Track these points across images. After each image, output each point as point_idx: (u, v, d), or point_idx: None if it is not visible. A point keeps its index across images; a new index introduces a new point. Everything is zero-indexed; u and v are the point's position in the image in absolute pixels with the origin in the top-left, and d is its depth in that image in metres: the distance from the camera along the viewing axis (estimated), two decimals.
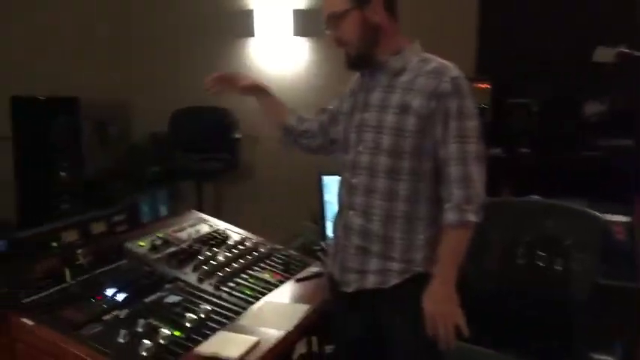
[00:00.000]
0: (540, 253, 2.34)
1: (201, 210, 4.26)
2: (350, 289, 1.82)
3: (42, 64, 4.80)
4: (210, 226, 2.55)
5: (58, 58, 4.85)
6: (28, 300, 1.72)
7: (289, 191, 4.50)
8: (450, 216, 1.69)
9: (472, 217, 1.68)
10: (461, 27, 4.21)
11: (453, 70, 1.73)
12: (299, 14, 4.50)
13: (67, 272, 1.86)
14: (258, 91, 2.21)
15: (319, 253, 2.51)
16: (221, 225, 2.58)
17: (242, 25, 4.60)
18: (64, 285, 1.84)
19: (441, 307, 1.70)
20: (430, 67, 1.74)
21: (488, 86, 3.93)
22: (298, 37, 4.56)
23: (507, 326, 2.27)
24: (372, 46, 1.79)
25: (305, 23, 4.50)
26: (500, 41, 4.15)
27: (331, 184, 2.67)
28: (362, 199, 1.78)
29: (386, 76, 1.80)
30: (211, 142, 4.67)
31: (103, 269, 1.99)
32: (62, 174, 4.44)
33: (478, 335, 2.23)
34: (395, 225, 1.75)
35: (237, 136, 4.63)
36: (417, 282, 1.74)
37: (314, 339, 2.46)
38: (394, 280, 1.76)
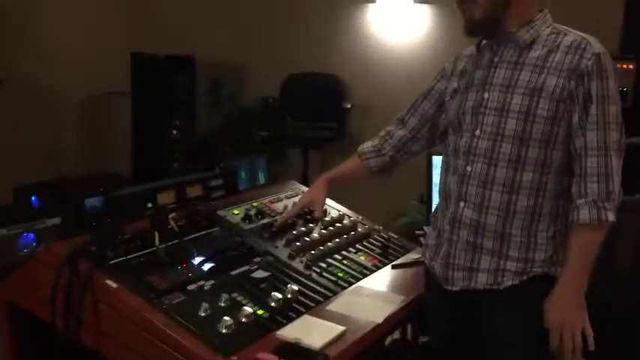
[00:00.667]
0: None
1: (305, 178, 4.21)
2: (455, 288, 1.66)
3: (161, 23, 4.89)
4: None
5: (176, 17, 4.92)
6: (115, 261, 1.69)
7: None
8: (584, 213, 1.50)
9: (610, 216, 1.50)
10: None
11: (595, 44, 1.52)
12: None
13: (157, 236, 1.80)
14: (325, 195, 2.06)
15: (421, 238, 2.32)
16: None
17: None
18: (152, 249, 1.79)
19: (569, 315, 1.52)
20: (567, 41, 1.53)
21: (632, 67, 3.49)
22: (419, 4, 4.30)
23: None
24: (501, 8, 1.56)
25: None
26: None
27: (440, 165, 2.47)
28: (477, 190, 1.60)
29: (513, 50, 1.59)
30: (321, 110, 4.56)
31: (192, 236, 1.92)
32: (174, 132, 4.52)
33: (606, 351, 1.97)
34: (514, 220, 1.57)
35: (347, 105, 4.48)
36: (536, 285, 1.58)
37: (409, 326, 2.30)
38: (510, 281, 1.60)
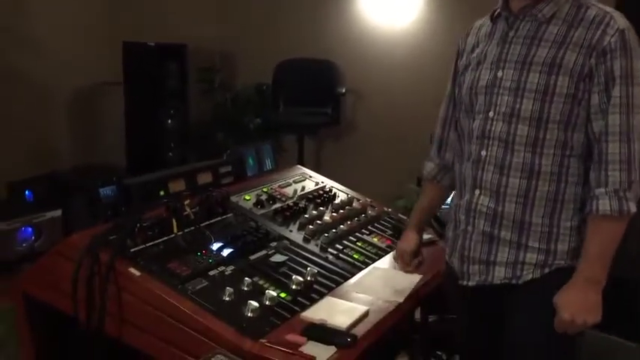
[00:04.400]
0: None
1: (302, 163, 4.20)
2: (471, 283, 1.56)
3: (152, 12, 4.84)
4: (316, 182, 2.44)
5: (167, 5, 4.86)
6: (135, 249, 1.69)
7: (393, 150, 4.33)
8: (604, 204, 1.38)
9: (632, 207, 1.38)
10: None
11: (619, 19, 1.40)
12: None
13: (174, 223, 1.80)
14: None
15: (431, 220, 2.34)
16: (327, 182, 2.47)
17: None
18: (170, 236, 1.79)
19: (583, 315, 1.40)
20: (589, 16, 1.42)
21: None
22: None
23: None
24: None
25: None
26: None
27: None
28: (493, 176, 1.49)
29: (530, 24, 1.47)
30: (314, 96, 4.55)
31: (209, 222, 1.93)
32: (168, 121, 4.48)
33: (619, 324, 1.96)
34: (534, 208, 1.46)
35: (342, 90, 4.48)
36: (559, 278, 1.45)
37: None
38: (529, 275, 1.48)
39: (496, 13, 1.57)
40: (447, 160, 1.73)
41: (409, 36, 4.32)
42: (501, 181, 1.49)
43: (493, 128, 1.49)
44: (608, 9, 1.44)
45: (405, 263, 1.81)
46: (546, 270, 1.48)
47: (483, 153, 1.51)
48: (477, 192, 1.53)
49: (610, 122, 1.39)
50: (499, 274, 1.52)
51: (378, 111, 4.47)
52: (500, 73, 1.49)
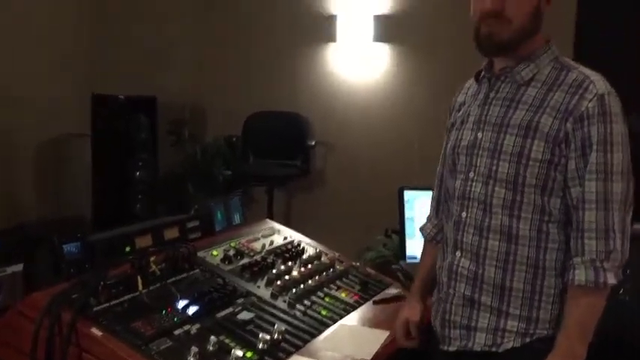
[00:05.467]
0: None
1: (271, 216, 4.20)
2: (452, 348, 1.52)
3: (122, 65, 4.87)
4: (285, 237, 2.44)
5: (137, 59, 4.90)
6: (99, 308, 1.65)
7: (363, 202, 4.36)
8: (580, 274, 1.35)
9: (610, 278, 1.34)
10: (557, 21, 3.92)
11: (599, 83, 1.38)
12: (379, 19, 4.36)
13: (139, 280, 1.78)
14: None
15: (399, 274, 2.35)
16: (295, 236, 2.47)
17: (324, 30, 4.50)
18: (135, 294, 1.76)
19: None
20: (569, 79, 1.41)
21: None
22: (378, 42, 4.42)
23: None
24: (527, 36, 1.45)
25: (385, 29, 4.36)
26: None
27: (413, 200, 2.51)
28: (473, 238, 1.47)
29: (510, 85, 1.48)
30: (284, 148, 4.59)
31: (175, 278, 1.90)
32: (137, 173, 4.46)
33: None
34: (515, 272, 1.43)
35: (311, 142, 4.53)
36: (540, 348, 1.40)
37: None
38: (510, 343, 1.44)
39: (481, 75, 1.58)
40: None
41: (377, 89, 4.43)
42: (481, 244, 1.47)
43: (472, 189, 1.49)
44: (589, 72, 1.43)
45: (409, 336, 1.70)
46: (527, 339, 1.44)
47: (464, 214, 1.51)
48: (458, 254, 1.51)
49: (587, 189, 1.36)
50: (479, 341, 1.48)
51: (347, 163, 4.52)
52: (480, 134, 1.50)
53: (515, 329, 1.44)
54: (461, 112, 1.60)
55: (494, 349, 1.46)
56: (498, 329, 1.45)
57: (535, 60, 1.47)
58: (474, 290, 1.48)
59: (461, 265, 1.51)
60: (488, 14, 1.42)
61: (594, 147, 1.36)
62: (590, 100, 1.37)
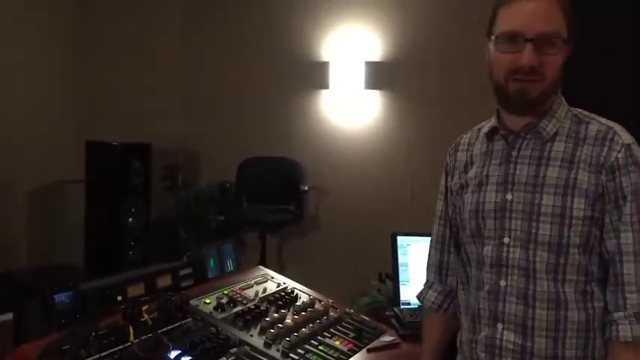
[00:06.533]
0: None
1: (264, 262, 4.18)
2: None
3: (116, 112, 4.92)
4: (278, 284, 2.42)
5: (130, 105, 4.96)
6: None
7: (356, 246, 4.36)
8: (624, 329, 1.30)
9: None
10: None
11: (623, 134, 1.38)
12: (370, 66, 4.45)
13: (131, 331, 1.76)
14: None
15: (392, 320, 2.33)
16: (289, 283, 2.46)
17: (317, 76, 4.60)
18: (126, 344, 1.73)
19: None
20: (592, 131, 1.39)
21: None
22: (370, 89, 4.50)
23: None
24: (555, 92, 1.43)
25: (376, 75, 4.45)
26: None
27: (406, 245, 2.52)
28: (517, 308, 1.38)
29: (534, 142, 1.42)
30: (278, 193, 4.61)
31: (167, 328, 1.88)
32: (129, 219, 4.45)
33: None
34: (566, 340, 1.35)
35: (304, 187, 4.55)
36: None
37: None
38: None
39: (488, 130, 1.51)
40: (452, 286, 1.61)
41: (369, 134, 4.48)
42: (527, 314, 1.38)
43: (510, 255, 1.40)
44: (609, 122, 1.41)
45: None
46: None
47: (502, 283, 1.41)
48: (500, 326, 1.41)
49: (623, 241, 1.33)
50: None
51: (340, 207, 4.54)
52: (509, 196, 1.42)
53: None
54: (473, 174, 1.51)
55: None
56: None
57: (554, 114, 1.43)
58: None
59: (505, 338, 1.40)
60: (525, 70, 1.36)
61: (628, 197, 1.33)
62: (619, 152, 1.35)
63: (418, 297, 1.66)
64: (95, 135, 4.56)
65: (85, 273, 4.25)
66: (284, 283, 2.44)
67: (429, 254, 1.66)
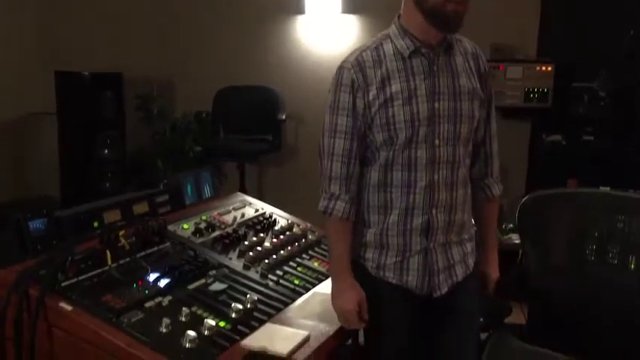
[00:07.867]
0: (612, 250, 2.16)
1: (243, 191, 4.17)
2: (444, 290, 1.71)
3: (88, 42, 4.76)
4: (256, 209, 2.43)
5: (103, 36, 4.79)
6: (67, 283, 1.63)
7: None
8: (496, 188, 1.83)
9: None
10: (524, 5, 3.97)
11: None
12: None
13: (108, 255, 1.75)
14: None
15: None
16: (267, 208, 2.46)
17: (293, 2, 4.46)
18: (104, 268, 1.74)
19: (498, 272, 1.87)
20: (468, 48, 1.72)
21: (550, 69, 3.70)
22: (346, 14, 4.39)
23: (578, 329, 2.10)
24: None
25: (353, 0, 4.33)
26: (564, 22, 3.89)
27: None
28: (446, 195, 1.68)
29: (442, 56, 1.65)
30: (255, 123, 4.55)
31: (145, 252, 1.88)
32: (105, 151, 4.39)
33: (543, 335, 2.07)
34: (466, 208, 1.75)
35: (282, 116, 4.50)
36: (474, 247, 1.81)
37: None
38: (472, 260, 1.78)
39: (409, 51, 1.62)
40: (354, 194, 1.70)
41: None
42: (452, 196, 1.69)
43: (441, 154, 1.65)
44: (469, 40, 1.75)
45: (361, 317, 1.67)
46: (475, 252, 1.81)
47: (436, 177, 1.66)
48: (434, 211, 1.68)
49: (493, 127, 1.80)
50: (459, 272, 1.74)
51: (318, 136, 4.50)
52: (437, 105, 1.63)
53: (470, 250, 1.78)
54: (397, 88, 1.60)
55: (468, 272, 1.76)
56: (464, 255, 1.76)
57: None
58: (447, 235, 1.71)
59: (438, 219, 1.68)
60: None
61: (492, 98, 1.78)
62: (485, 64, 1.74)
63: (324, 210, 1.71)
64: (65, 65, 4.42)
65: (61, 205, 4.21)
66: (262, 209, 2.44)
67: (331, 168, 1.72)
